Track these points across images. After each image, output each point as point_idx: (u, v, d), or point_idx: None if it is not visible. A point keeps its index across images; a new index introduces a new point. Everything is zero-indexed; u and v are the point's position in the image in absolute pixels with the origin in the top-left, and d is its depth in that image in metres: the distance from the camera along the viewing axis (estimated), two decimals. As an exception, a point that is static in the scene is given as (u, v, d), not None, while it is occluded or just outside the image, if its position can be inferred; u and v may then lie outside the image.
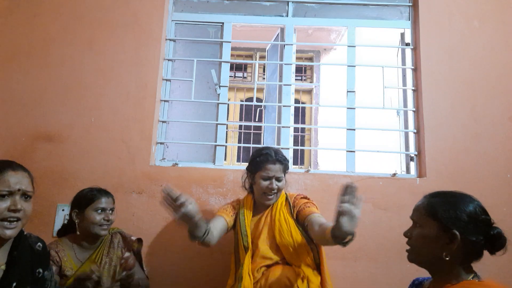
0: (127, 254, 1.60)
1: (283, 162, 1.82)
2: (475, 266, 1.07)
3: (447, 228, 1.04)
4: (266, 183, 1.78)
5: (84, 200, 1.75)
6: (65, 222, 1.85)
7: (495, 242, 1.04)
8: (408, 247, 1.15)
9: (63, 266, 1.66)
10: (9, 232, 1.14)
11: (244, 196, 1.94)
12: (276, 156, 1.81)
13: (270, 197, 1.81)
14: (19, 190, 1.16)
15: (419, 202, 1.16)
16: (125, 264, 1.54)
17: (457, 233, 1.02)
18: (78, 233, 1.74)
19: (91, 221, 1.70)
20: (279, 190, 1.81)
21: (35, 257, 1.26)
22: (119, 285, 1.71)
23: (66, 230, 1.81)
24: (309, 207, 1.78)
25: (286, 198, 1.88)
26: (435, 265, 1.08)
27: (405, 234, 1.16)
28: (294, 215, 1.80)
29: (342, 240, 1.32)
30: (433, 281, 1.13)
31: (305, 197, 1.88)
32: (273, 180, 1.78)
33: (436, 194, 1.14)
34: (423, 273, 1.15)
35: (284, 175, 1.84)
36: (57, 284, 1.60)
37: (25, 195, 1.19)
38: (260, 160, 1.81)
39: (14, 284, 1.15)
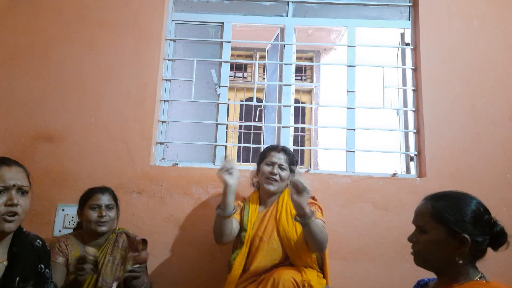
0: (130, 254, 1.59)
1: (288, 152, 1.91)
2: (482, 264, 1.07)
3: (456, 232, 1.03)
4: (268, 168, 1.86)
5: (83, 198, 1.80)
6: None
7: (499, 239, 1.04)
8: (412, 251, 1.13)
9: (69, 260, 1.68)
10: (8, 226, 1.14)
11: (250, 194, 1.97)
12: (281, 147, 1.93)
13: (271, 181, 1.83)
14: (14, 185, 1.16)
15: (421, 206, 1.13)
16: (138, 257, 1.54)
17: (467, 236, 1.02)
18: (83, 230, 1.79)
19: (87, 218, 1.74)
20: (281, 179, 1.84)
21: (36, 253, 1.27)
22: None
23: (78, 228, 1.86)
24: (314, 213, 1.71)
25: None
26: (444, 268, 1.07)
27: (410, 240, 1.14)
28: None
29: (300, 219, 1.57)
30: (439, 282, 1.12)
31: (312, 197, 1.87)
32: (276, 166, 1.85)
33: (438, 197, 1.12)
34: (424, 273, 1.14)
35: (290, 171, 1.88)
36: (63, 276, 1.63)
37: (21, 190, 1.18)
38: (265, 150, 1.94)
39: (18, 279, 1.15)
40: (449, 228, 1.04)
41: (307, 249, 1.72)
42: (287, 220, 1.78)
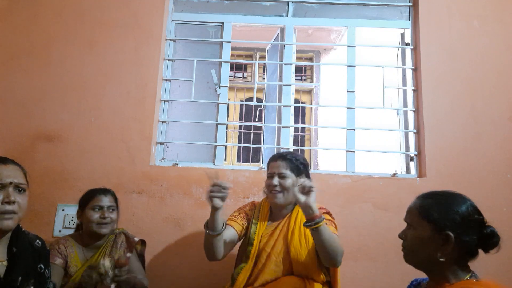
0: (128, 254, 1.59)
1: (289, 158, 1.74)
2: (474, 265, 1.08)
3: (441, 229, 1.05)
4: (268, 181, 1.74)
5: (84, 199, 1.80)
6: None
7: (489, 241, 1.04)
8: (403, 249, 1.17)
9: (68, 262, 1.68)
10: (6, 223, 1.14)
11: (261, 200, 1.88)
12: (278, 154, 1.80)
13: (274, 194, 1.70)
14: (11, 183, 1.15)
15: (411, 203, 1.17)
16: (118, 261, 1.52)
17: (451, 234, 1.03)
18: (82, 232, 1.78)
19: (89, 220, 1.73)
20: (284, 188, 1.70)
21: (35, 253, 1.27)
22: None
23: (78, 229, 1.85)
24: (327, 224, 1.58)
25: None
26: (431, 266, 1.09)
27: (400, 236, 1.18)
28: None
29: (310, 222, 1.46)
30: (430, 281, 1.13)
31: (327, 213, 1.74)
32: (275, 176, 1.71)
33: (428, 195, 1.14)
34: (423, 273, 1.15)
35: (296, 176, 1.72)
36: (60, 277, 1.62)
37: (19, 188, 1.18)
38: (267, 162, 1.82)
39: (20, 278, 1.15)
40: (434, 225, 1.06)
41: (317, 271, 1.64)
42: (300, 241, 1.65)
